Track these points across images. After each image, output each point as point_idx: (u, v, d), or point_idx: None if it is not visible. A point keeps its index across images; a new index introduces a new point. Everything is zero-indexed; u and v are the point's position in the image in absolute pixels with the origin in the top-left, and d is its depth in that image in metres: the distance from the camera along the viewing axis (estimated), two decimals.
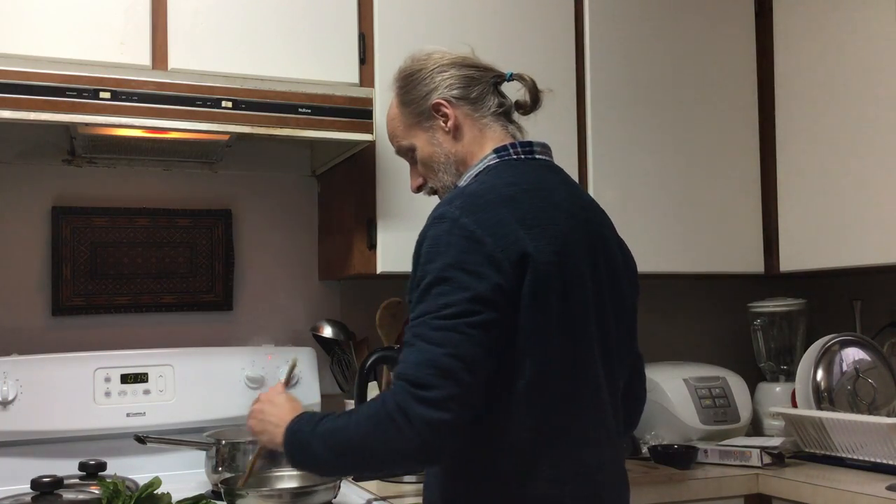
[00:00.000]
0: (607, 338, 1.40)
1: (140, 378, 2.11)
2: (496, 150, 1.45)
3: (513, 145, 1.46)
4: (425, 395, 1.20)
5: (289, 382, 1.74)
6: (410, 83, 1.51)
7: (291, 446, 1.36)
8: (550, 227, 1.33)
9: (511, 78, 1.53)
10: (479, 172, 1.44)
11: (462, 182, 1.46)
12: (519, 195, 1.35)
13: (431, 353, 1.22)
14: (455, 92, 1.48)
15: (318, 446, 1.32)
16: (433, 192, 1.55)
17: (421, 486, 1.49)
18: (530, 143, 1.47)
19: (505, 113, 1.51)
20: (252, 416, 1.50)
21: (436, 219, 1.33)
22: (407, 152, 1.55)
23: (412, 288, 1.32)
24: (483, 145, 1.47)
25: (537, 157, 1.47)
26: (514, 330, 1.29)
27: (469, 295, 1.24)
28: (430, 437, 1.21)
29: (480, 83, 1.49)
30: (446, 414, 1.20)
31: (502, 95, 1.52)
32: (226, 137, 2.02)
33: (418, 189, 1.57)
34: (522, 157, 1.45)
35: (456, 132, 1.48)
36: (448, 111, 1.47)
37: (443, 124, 1.48)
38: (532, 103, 1.52)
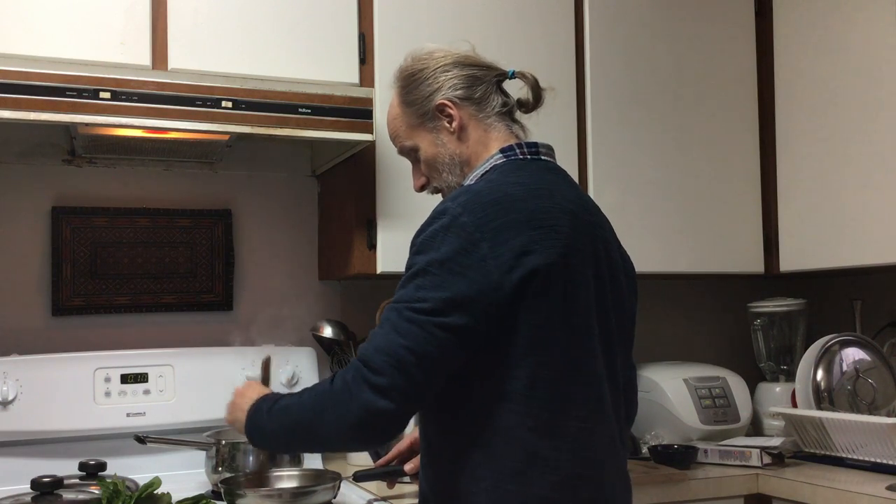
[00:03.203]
0: (610, 340, 1.40)
1: (140, 378, 2.11)
2: (502, 150, 1.44)
3: (518, 145, 1.45)
4: (373, 380, 1.24)
5: (266, 382, 1.75)
6: (412, 83, 1.50)
7: (251, 425, 1.41)
8: (556, 228, 1.33)
9: (513, 76, 1.52)
10: (486, 171, 1.43)
11: (468, 182, 1.45)
12: (526, 195, 1.34)
13: (392, 341, 1.26)
14: (459, 92, 1.47)
15: (271, 423, 1.37)
16: (437, 191, 1.55)
17: None
18: (535, 144, 1.46)
19: (508, 112, 1.50)
20: (227, 409, 1.53)
21: (437, 213, 1.33)
22: (410, 152, 1.54)
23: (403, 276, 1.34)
24: (488, 145, 1.47)
25: (542, 158, 1.46)
26: (514, 330, 1.28)
27: (446, 295, 1.25)
28: (367, 421, 1.26)
29: (484, 82, 1.48)
30: (388, 403, 1.24)
31: (505, 94, 1.52)
32: (226, 137, 2.02)
33: (422, 188, 1.56)
34: (528, 157, 1.44)
35: (461, 133, 1.47)
36: (453, 112, 1.46)
37: (447, 125, 1.47)
38: (534, 101, 1.51)
